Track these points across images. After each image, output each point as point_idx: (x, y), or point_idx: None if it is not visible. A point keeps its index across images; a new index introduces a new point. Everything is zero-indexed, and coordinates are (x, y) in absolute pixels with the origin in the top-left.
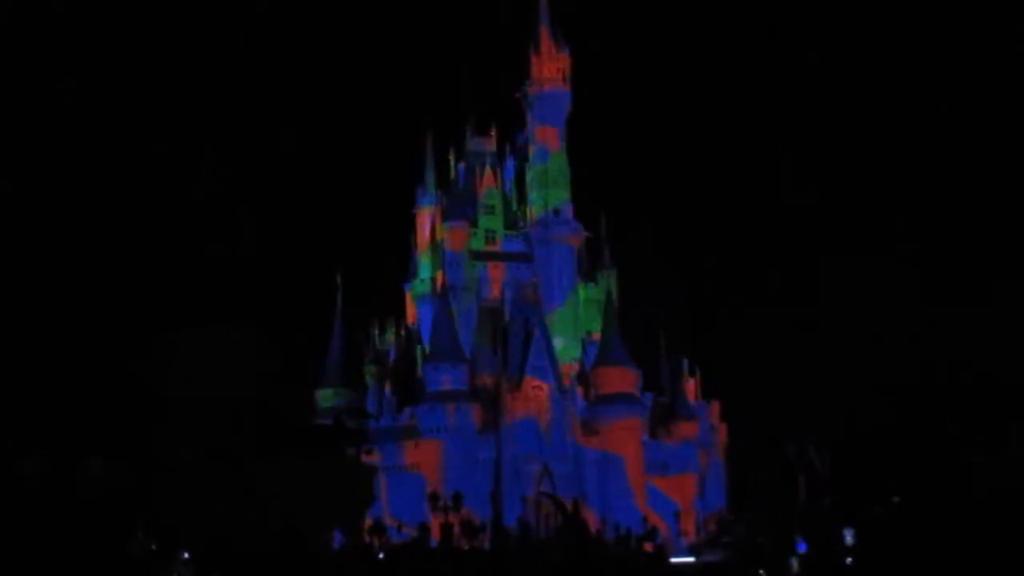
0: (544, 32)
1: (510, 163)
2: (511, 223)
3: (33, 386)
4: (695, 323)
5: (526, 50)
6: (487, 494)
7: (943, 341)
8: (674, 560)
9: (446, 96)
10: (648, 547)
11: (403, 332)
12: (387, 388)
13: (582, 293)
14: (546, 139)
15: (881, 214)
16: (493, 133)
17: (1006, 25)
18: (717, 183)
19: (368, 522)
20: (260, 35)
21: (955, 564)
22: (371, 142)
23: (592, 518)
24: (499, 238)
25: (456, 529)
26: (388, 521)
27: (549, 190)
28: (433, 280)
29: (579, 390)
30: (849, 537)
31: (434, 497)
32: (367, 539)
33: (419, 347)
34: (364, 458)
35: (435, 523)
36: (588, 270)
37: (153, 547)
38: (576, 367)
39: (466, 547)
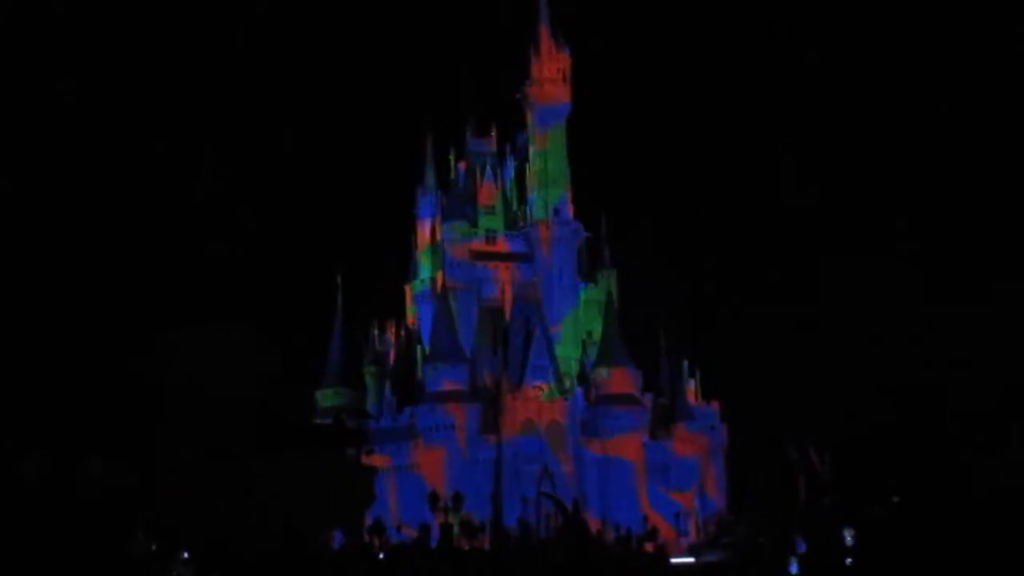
0: (544, 32)
1: (510, 163)
2: (511, 223)
3: (33, 386)
4: (695, 323)
5: (526, 50)
6: (487, 494)
7: (943, 341)
8: (674, 560)
9: (446, 96)
10: (648, 547)
11: (403, 332)
12: (387, 388)
13: (582, 293)
14: (546, 139)
15: (881, 214)
16: (493, 133)
17: (1006, 25)
18: (717, 183)
19: (367, 522)
20: (260, 35)
21: (955, 564)
22: (371, 142)
23: (592, 518)
24: (499, 238)
25: (456, 529)
26: (394, 522)
27: (549, 190)
28: (433, 280)
29: (579, 390)
30: (849, 537)
31: (434, 497)
32: (367, 539)
33: (419, 347)
34: (365, 459)
35: (435, 523)
36: (588, 270)
37: (153, 547)
38: (576, 367)
39: (466, 547)
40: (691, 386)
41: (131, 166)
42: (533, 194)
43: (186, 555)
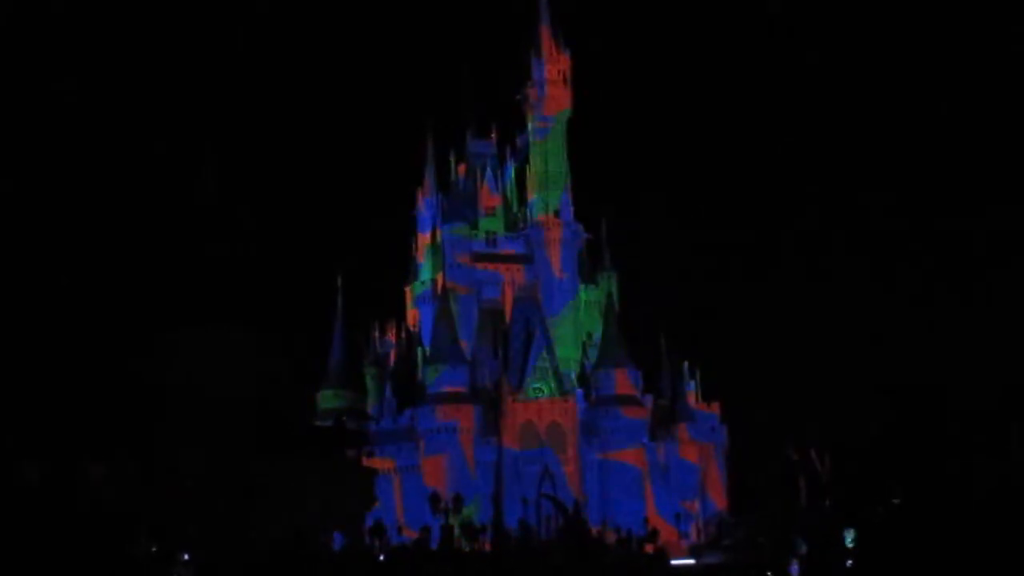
0: (544, 33)
1: (510, 165)
2: (511, 224)
3: (33, 387)
4: (695, 325)
5: (526, 51)
6: (488, 496)
7: (943, 341)
8: (675, 562)
9: (447, 98)
10: (649, 549)
11: (404, 334)
12: (387, 390)
13: (583, 295)
14: (546, 141)
15: (880, 214)
16: (493, 135)
17: (1006, 25)
18: (717, 183)
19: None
20: (260, 36)
21: (956, 564)
22: (372, 144)
23: (592, 520)
24: (499, 240)
25: (457, 531)
26: (395, 523)
27: (549, 191)
28: (434, 282)
29: (580, 392)
30: (849, 538)
31: (435, 499)
32: (368, 540)
33: (420, 349)
34: (365, 460)
35: (436, 525)
36: (588, 272)
37: (153, 549)
38: (577, 369)
39: (467, 549)
40: (691, 388)
41: (131, 166)
42: (533, 196)
43: (186, 557)
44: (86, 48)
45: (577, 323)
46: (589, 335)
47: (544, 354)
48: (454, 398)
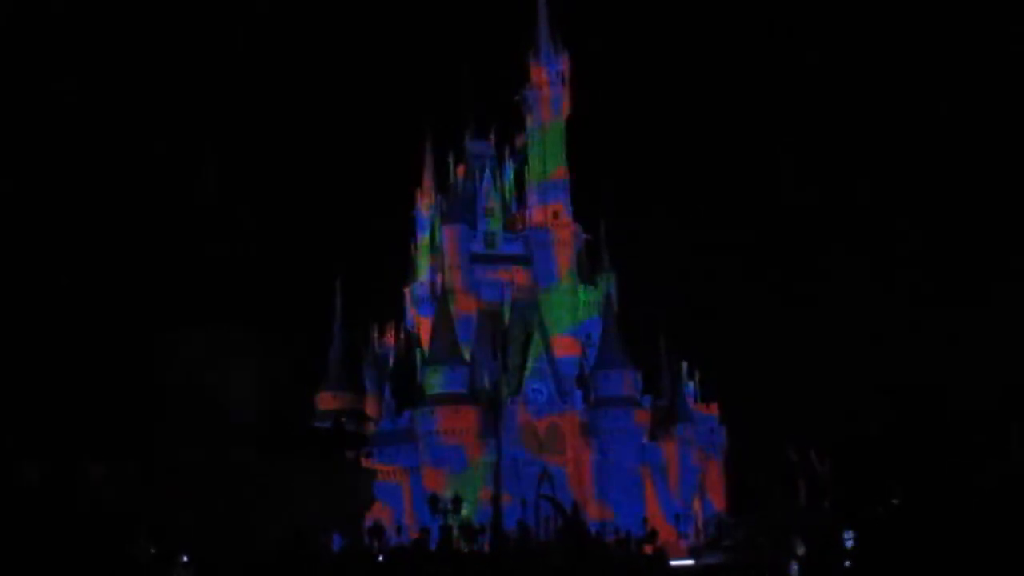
0: (543, 34)
1: (509, 165)
2: (510, 225)
3: (32, 387)
4: (695, 325)
5: (525, 52)
6: (487, 497)
7: (943, 341)
8: (674, 563)
9: (445, 98)
10: (648, 550)
11: (402, 335)
12: (386, 391)
13: (582, 296)
14: (545, 141)
15: (881, 214)
16: (492, 135)
17: (1006, 25)
18: (717, 184)
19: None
20: (260, 35)
21: (956, 565)
22: (370, 144)
23: (591, 521)
24: (498, 241)
25: (455, 532)
26: (393, 524)
27: (548, 192)
28: (432, 283)
29: (579, 393)
30: (849, 539)
31: (434, 500)
32: (367, 541)
33: (418, 350)
34: (364, 462)
35: (435, 526)
36: (587, 272)
37: (152, 550)
38: (575, 370)
39: (465, 550)
40: (690, 388)
41: (131, 166)
42: (532, 197)
43: (185, 558)
44: (86, 48)
45: (576, 324)
46: (588, 336)
47: (543, 355)
48: (453, 399)
